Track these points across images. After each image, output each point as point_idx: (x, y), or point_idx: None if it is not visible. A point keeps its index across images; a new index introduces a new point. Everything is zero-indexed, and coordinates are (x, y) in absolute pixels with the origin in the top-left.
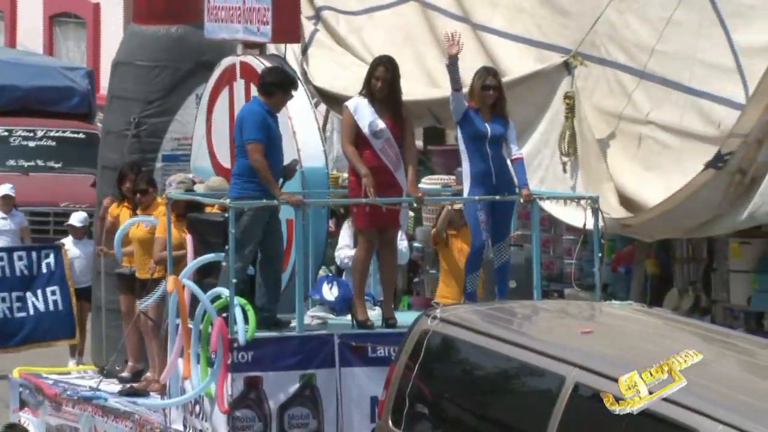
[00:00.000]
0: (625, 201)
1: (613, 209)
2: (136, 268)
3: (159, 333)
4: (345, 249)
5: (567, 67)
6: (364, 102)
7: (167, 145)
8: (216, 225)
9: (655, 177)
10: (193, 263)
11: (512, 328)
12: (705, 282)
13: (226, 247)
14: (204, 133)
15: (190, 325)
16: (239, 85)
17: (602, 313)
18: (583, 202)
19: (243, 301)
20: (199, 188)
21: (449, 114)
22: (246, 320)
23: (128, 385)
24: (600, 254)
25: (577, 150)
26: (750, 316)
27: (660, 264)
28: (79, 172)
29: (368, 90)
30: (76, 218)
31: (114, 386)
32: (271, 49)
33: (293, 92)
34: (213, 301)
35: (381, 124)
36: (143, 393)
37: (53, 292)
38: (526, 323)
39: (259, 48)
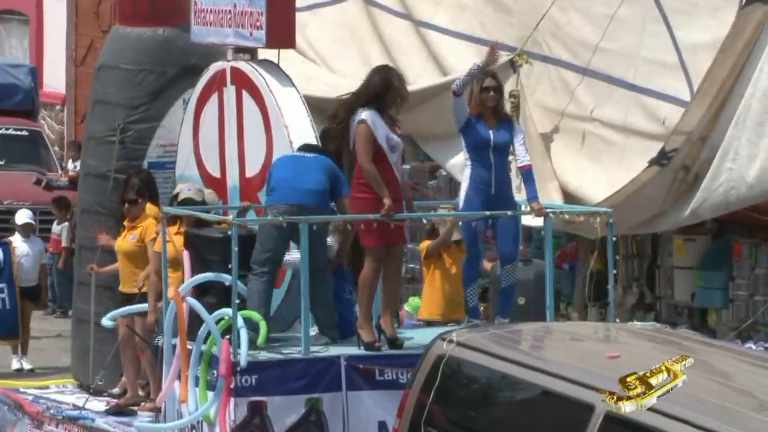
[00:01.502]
0: (569, 198)
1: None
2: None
3: (149, 350)
4: None
5: (512, 66)
6: (376, 114)
7: (153, 151)
8: (215, 242)
9: (599, 174)
10: (191, 280)
11: (534, 353)
12: (649, 278)
13: (229, 265)
14: (191, 141)
15: (189, 346)
16: (229, 91)
17: (625, 335)
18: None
19: (257, 316)
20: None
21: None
22: (253, 338)
23: (114, 402)
24: (614, 271)
25: None
26: (694, 313)
27: (604, 261)
28: (22, 170)
29: (380, 101)
30: (26, 215)
31: (98, 403)
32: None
33: None
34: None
35: (395, 137)
36: (130, 412)
37: (1, 290)
38: (548, 347)
39: (251, 53)
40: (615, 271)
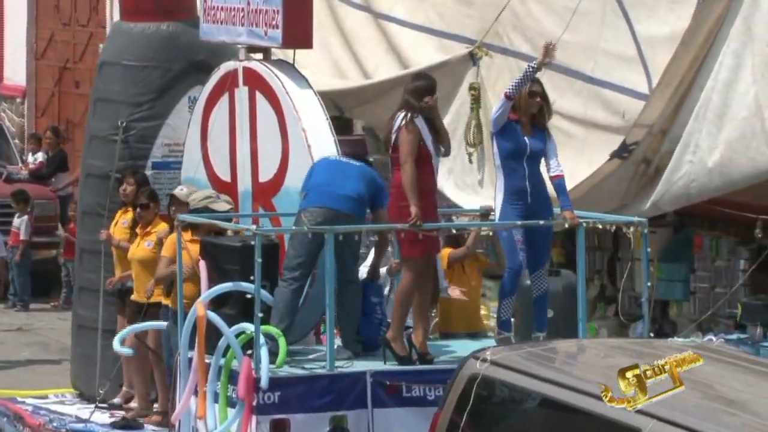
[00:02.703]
0: None
1: None
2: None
3: (162, 362)
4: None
5: (472, 58)
6: (422, 120)
7: (158, 151)
8: (233, 251)
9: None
10: (211, 291)
11: (574, 372)
12: (610, 271)
13: (251, 276)
14: (198, 143)
15: (208, 360)
16: (242, 92)
17: (668, 351)
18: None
19: (275, 331)
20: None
21: (352, 103)
22: (273, 356)
23: (120, 415)
24: (649, 283)
25: (483, 141)
26: (655, 305)
27: (566, 253)
28: None
29: (420, 108)
30: None
31: (101, 415)
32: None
33: None
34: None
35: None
36: (137, 425)
37: None
38: (588, 366)
39: (264, 53)
40: (650, 284)
